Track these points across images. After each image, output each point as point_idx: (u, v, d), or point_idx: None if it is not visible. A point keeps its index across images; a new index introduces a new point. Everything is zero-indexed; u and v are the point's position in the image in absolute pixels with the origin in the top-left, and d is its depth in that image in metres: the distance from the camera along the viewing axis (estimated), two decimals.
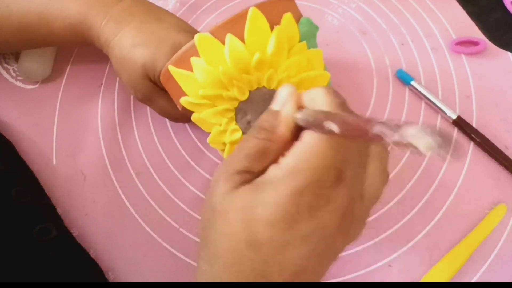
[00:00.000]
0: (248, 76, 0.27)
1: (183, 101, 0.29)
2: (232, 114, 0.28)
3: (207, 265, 0.23)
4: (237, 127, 0.28)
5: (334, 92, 0.22)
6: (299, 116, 0.22)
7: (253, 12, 0.26)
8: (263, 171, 0.22)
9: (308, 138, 0.21)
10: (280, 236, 0.20)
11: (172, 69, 0.28)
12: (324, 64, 0.30)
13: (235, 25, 0.27)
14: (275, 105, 0.23)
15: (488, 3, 0.45)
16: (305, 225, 0.20)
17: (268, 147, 0.22)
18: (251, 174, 0.22)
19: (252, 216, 0.20)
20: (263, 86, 0.28)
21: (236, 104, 0.28)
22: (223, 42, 0.27)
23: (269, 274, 0.21)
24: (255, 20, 0.26)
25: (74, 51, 0.44)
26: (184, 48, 0.28)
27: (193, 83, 0.27)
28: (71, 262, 0.33)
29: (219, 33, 0.27)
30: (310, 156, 0.20)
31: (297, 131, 0.22)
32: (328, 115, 0.20)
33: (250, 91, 0.28)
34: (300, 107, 0.23)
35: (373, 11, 0.45)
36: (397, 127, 0.15)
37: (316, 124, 0.20)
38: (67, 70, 0.43)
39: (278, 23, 0.27)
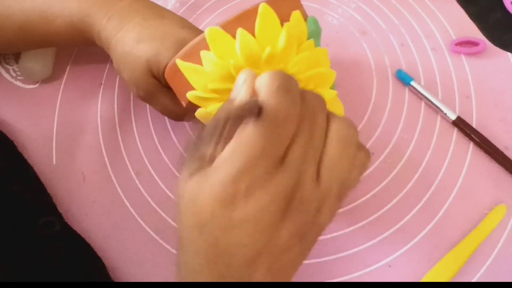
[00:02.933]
0: (258, 71, 0.27)
1: (190, 96, 0.29)
2: None
3: (178, 252, 0.24)
4: None
5: (279, 76, 0.22)
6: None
7: (263, 8, 0.27)
8: None
9: (243, 125, 0.21)
10: (221, 218, 0.21)
11: (180, 63, 0.28)
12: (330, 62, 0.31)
13: (245, 20, 0.27)
14: (232, 93, 0.24)
15: (488, 3, 0.45)
16: (243, 208, 0.21)
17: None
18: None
19: (196, 200, 0.21)
20: None
21: None
22: (233, 37, 0.27)
23: (220, 259, 0.22)
24: (266, 15, 0.27)
25: (74, 51, 0.44)
26: (193, 42, 0.28)
27: (202, 77, 0.27)
28: (75, 255, 0.33)
29: (229, 28, 0.27)
30: (242, 144, 0.21)
31: None
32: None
33: None
34: (255, 92, 0.23)
35: (373, 11, 0.45)
36: None
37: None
38: (67, 70, 0.43)
39: (285, 21, 0.28)
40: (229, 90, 0.27)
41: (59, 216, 0.35)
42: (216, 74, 0.27)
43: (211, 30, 0.27)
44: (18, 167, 0.36)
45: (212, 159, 0.22)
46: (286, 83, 0.22)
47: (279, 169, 0.21)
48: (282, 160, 0.21)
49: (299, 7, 0.29)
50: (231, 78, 0.27)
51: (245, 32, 0.26)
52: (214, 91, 0.27)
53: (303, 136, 0.22)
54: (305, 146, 0.22)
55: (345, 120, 0.24)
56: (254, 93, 0.23)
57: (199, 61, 0.28)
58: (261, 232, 0.21)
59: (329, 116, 0.24)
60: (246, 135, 0.21)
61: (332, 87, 0.30)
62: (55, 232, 0.33)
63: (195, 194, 0.22)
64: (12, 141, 0.38)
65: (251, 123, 0.21)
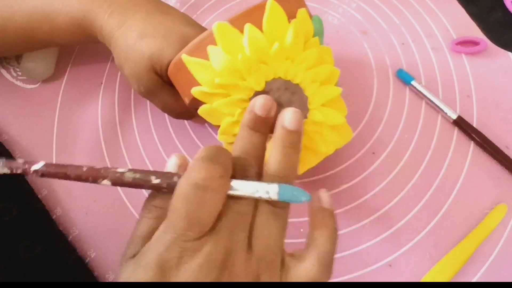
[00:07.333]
0: (266, 66, 0.27)
1: (195, 91, 0.28)
2: (247, 104, 0.28)
3: None
4: None
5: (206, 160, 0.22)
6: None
7: (272, 4, 0.27)
8: None
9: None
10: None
11: (185, 58, 0.28)
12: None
13: (252, 16, 0.27)
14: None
15: (488, 3, 0.45)
16: (176, 277, 0.21)
17: (160, 223, 0.22)
18: None
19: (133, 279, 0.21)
20: (279, 77, 0.28)
21: (251, 94, 0.28)
22: (241, 32, 0.27)
23: None
24: (274, 11, 0.27)
25: (75, 50, 0.44)
26: (200, 37, 0.28)
27: (208, 72, 0.27)
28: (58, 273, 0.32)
29: (236, 23, 0.27)
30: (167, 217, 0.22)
31: None
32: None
33: (266, 82, 0.28)
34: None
35: (374, 10, 0.45)
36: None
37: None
38: (68, 70, 0.43)
39: (291, 18, 0.28)
40: (235, 85, 0.27)
41: (43, 232, 0.34)
42: (224, 69, 0.27)
43: (219, 25, 0.27)
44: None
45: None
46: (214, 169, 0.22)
47: (206, 236, 0.21)
48: (212, 228, 0.21)
49: (304, 6, 0.29)
50: (239, 74, 0.27)
51: (253, 27, 0.27)
52: (221, 86, 0.27)
53: (232, 205, 0.22)
54: (233, 214, 0.22)
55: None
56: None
57: (205, 57, 0.28)
58: None
59: None
60: (170, 207, 0.21)
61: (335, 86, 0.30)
62: (36, 255, 0.32)
63: (130, 277, 0.21)
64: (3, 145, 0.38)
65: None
